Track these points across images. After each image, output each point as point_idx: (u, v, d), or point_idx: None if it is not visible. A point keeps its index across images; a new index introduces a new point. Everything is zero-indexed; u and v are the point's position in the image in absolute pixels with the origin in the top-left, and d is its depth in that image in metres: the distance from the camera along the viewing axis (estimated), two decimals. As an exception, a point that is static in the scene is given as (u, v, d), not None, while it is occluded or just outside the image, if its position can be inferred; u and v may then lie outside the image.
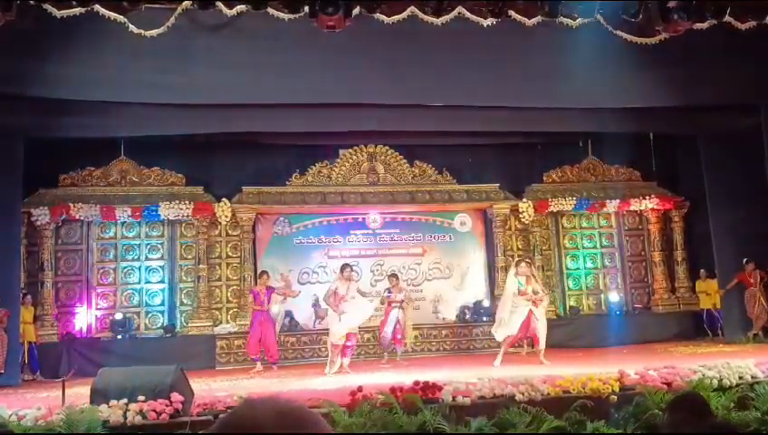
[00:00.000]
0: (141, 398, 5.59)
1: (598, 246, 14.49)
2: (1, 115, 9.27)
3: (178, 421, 5.54)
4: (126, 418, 5.45)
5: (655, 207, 13.94)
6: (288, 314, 12.27)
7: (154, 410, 5.50)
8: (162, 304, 12.78)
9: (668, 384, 6.25)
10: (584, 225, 14.47)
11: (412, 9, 7.46)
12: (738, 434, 3.85)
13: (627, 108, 10.33)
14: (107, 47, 7.96)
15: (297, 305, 12.39)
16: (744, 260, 11.69)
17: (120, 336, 11.99)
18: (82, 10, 6.92)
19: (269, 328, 10.87)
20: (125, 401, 5.59)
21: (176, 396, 5.67)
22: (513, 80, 9.34)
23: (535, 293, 9.76)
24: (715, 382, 6.36)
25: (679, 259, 14.02)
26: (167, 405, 5.57)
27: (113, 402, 5.57)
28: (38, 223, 11.72)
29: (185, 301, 12.77)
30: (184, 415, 5.66)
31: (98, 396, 5.77)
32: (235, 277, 12.93)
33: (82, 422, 5.32)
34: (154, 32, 7.41)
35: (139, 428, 5.42)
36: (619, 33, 8.03)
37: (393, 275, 11.76)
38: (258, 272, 11.82)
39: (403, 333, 11.19)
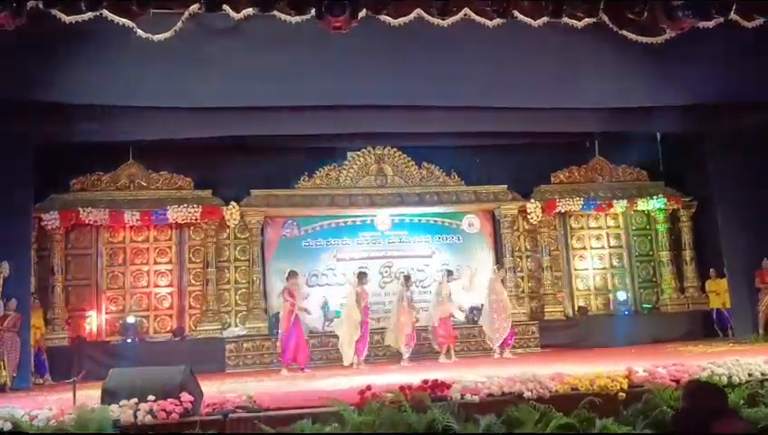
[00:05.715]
0: (151, 398, 5.61)
1: (606, 246, 14.48)
2: (12, 120, 9.35)
3: (188, 421, 5.57)
4: (136, 417, 5.47)
5: (663, 206, 13.94)
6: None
7: (164, 410, 5.52)
8: (171, 307, 12.85)
9: (677, 381, 6.22)
10: (592, 225, 14.46)
11: (418, 11, 7.47)
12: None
13: (633, 107, 10.32)
14: (115, 52, 7.99)
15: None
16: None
17: (129, 340, 12.07)
18: (91, 15, 6.96)
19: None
20: (135, 400, 5.62)
21: (185, 396, 5.68)
22: (520, 80, 9.33)
23: None
24: (725, 379, 6.34)
25: (688, 259, 13.99)
26: (176, 405, 5.59)
27: (124, 402, 5.60)
28: (48, 227, 11.84)
29: (193, 304, 12.83)
30: (194, 414, 5.68)
31: (109, 396, 5.80)
32: (243, 280, 12.99)
33: (93, 422, 5.34)
34: (162, 36, 7.45)
35: (150, 427, 5.43)
36: (624, 32, 8.02)
37: (407, 278, 11.77)
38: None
39: (412, 335, 11.25)
